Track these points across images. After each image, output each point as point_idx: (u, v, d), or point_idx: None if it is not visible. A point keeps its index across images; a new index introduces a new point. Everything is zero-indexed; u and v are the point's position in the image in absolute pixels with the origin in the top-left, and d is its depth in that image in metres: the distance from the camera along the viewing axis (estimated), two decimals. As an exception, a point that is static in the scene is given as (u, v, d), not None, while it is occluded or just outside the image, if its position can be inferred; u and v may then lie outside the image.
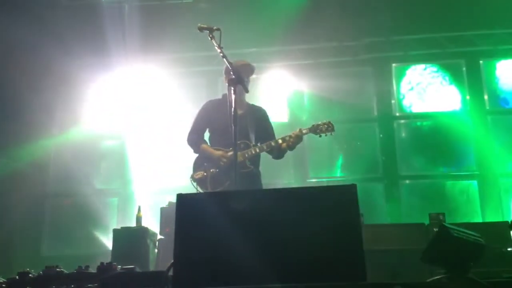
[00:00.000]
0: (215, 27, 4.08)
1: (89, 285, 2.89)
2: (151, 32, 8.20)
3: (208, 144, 4.99)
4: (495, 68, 8.60)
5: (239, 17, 7.86)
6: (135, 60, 8.47)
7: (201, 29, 4.10)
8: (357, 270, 2.44)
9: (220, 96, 5.17)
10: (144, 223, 6.46)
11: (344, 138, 8.43)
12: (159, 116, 8.60)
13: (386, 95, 8.69)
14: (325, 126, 4.78)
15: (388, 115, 8.65)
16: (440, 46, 8.53)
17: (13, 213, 7.72)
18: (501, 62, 8.59)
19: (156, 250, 6.39)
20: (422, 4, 8.07)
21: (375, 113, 8.69)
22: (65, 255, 7.73)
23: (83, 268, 3.07)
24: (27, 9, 7.70)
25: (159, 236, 6.45)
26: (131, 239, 6.14)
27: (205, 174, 4.77)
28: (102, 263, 3.02)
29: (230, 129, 3.86)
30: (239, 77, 4.07)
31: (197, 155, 4.99)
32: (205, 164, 4.81)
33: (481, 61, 8.64)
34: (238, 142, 4.15)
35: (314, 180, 8.41)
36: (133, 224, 6.66)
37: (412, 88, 8.72)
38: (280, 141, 4.77)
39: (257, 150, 4.77)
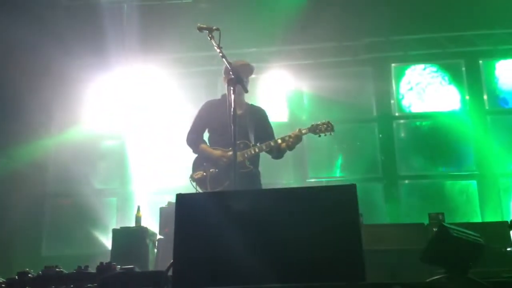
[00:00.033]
0: (214, 27, 4.08)
1: (88, 285, 2.89)
2: (151, 32, 8.20)
3: (208, 144, 4.99)
4: (494, 68, 8.61)
5: (238, 17, 7.87)
6: (135, 60, 8.47)
7: (200, 29, 4.10)
8: (356, 270, 2.44)
9: (219, 97, 5.17)
10: (143, 223, 6.46)
11: (344, 138, 8.42)
12: (159, 116, 8.60)
13: (385, 95, 8.69)
14: (325, 126, 4.78)
15: (387, 115, 8.65)
16: (439, 46, 8.53)
17: (13, 213, 7.71)
18: (500, 62, 8.60)
19: (155, 250, 6.39)
20: (421, 4, 8.06)
21: (375, 113, 8.69)
22: (64, 255, 7.72)
23: (83, 268, 3.07)
24: (27, 9, 7.70)
25: (158, 236, 6.45)
26: (131, 239, 6.14)
27: (204, 174, 4.77)
28: (101, 263, 3.02)
29: (230, 129, 3.86)
30: (239, 77, 4.07)
31: (196, 155, 4.99)
32: (205, 164, 4.81)
33: (480, 61, 8.65)
34: (238, 142, 4.15)
35: (313, 180, 8.41)
36: (132, 224, 6.67)
37: (411, 88, 8.72)
38: (279, 141, 4.77)
39: (257, 150, 4.77)
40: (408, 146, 8.66)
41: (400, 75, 8.79)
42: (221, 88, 5.03)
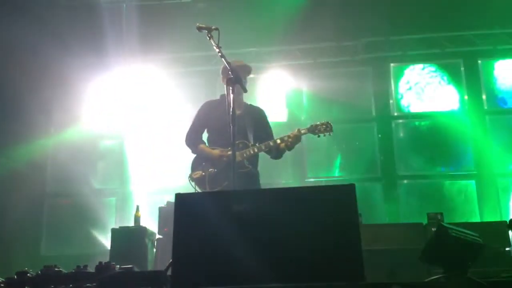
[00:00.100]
0: (213, 27, 4.07)
1: (87, 284, 2.89)
2: (150, 31, 8.21)
3: (206, 144, 4.99)
4: (493, 68, 8.61)
5: (237, 17, 7.87)
6: (134, 59, 8.47)
7: (199, 28, 4.09)
8: (355, 269, 2.44)
9: (218, 97, 5.17)
10: (142, 223, 6.47)
11: (343, 138, 8.44)
12: (158, 116, 8.60)
13: (384, 95, 8.70)
14: (324, 126, 4.78)
15: (386, 115, 8.66)
16: (438, 46, 8.54)
17: (12, 213, 7.71)
18: (499, 62, 8.61)
19: (154, 250, 6.40)
20: (420, 4, 8.07)
21: (374, 113, 8.70)
22: (63, 254, 7.73)
23: (82, 267, 3.06)
24: (26, 9, 7.69)
25: (157, 236, 6.46)
26: (130, 238, 6.15)
27: (203, 173, 4.76)
28: (100, 263, 3.01)
29: (229, 129, 3.86)
30: (238, 77, 4.06)
31: (195, 155, 4.99)
32: (204, 164, 4.80)
33: (479, 61, 8.66)
34: (237, 142, 4.15)
35: (312, 180, 8.42)
36: (131, 223, 6.68)
37: (410, 88, 8.72)
38: (278, 141, 4.77)
39: (256, 150, 4.77)
40: (407, 146, 8.67)
41: (399, 75, 8.79)
42: (220, 88, 5.02)
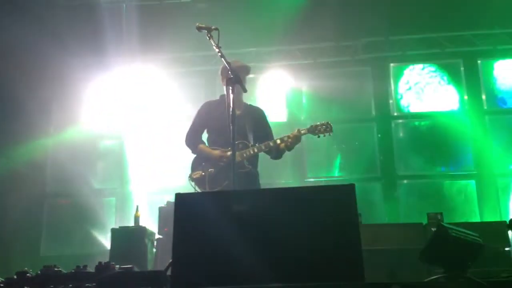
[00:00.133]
0: (213, 27, 4.06)
1: (87, 284, 2.89)
2: (149, 31, 8.20)
3: (206, 144, 4.99)
4: (493, 68, 8.62)
5: (237, 17, 7.87)
6: (134, 59, 8.48)
7: (199, 28, 4.09)
8: (355, 269, 2.44)
9: (218, 97, 5.17)
10: (142, 223, 6.47)
11: (342, 138, 8.44)
12: (158, 116, 8.60)
13: (384, 95, 8.70)
14: (323, 126, 4.78)
15: (386, 115, 8.66)
16: (438, 46, 8.54)
17: (12, 213, 7.72)
18: (499, 62, 8.61)
19: (154, 250, 6.39)
20: (420, 4, 8.07)
21: (373, 113, 8.70)
22: (63, 254, 7.73)
23: (81, 267, 3.06)
24: (26, 9, 7.69)
25: (157, 236, 6.45)
26: (129, 238, 6.15)
27: (203, 174, 4.76)
28: (100, 263, 3.01)
29: (228, 129, 3.85)
30: (237, 77, 4.06)
31: (195, 155, 4.99)
32: (203, 164, 4.80)
33: (479, 61, 8.66)
34: (236, 142, 4.15)
35: (312, 180, 8.42)
36: (131, 223, 6.68)
37: (410, 88, 8.73)
38: (278, 141, 4.77)
39: (255, 150, 4.76)
40: (407, 146, 8.67)
41: (398, 75, 8.79)
42: (220, 88, 5.01)
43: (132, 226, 6.49)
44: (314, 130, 4.78)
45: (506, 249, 5.61)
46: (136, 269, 3.10)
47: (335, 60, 8.68)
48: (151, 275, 2.82)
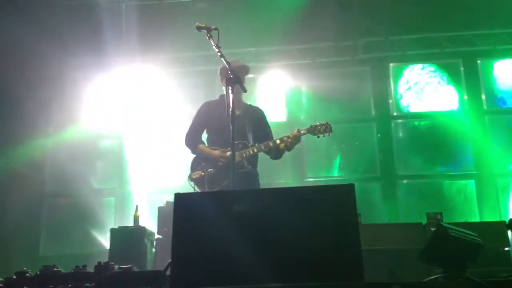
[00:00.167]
0: (213, 27, 4.07)
1: (86, 284, 2.89)
2: (149, 31, 8.20)
3: (206, 144, 4.99)
4: (492, 68, 8.61)
5: (237, 17, 7.87)
6: (133, 59, 8.47)
7: (199, 28, 4.09)
8: (355, 269, 2.44)
9: (217, 97, 5.17)
10: (141, 223, 6.46)
11: (342, 137, 8.44)
12: (157, 115, 8.60)
13: (383, 95, 8.70)
14: (323, 127, 4.78)
15: (385, 114, 8.65)
16: (437, 45, 8.54)
17: (11, 213, 7.71)
18: (498, 62, 8.60)
19: (153, 250, 6.39)
20: (420, 4, 8.07)
21: (373, 112, 8.70)
22: (62, 254, 7.72)
23: (81, 267, 3.06)
24: (26, 9, 7.69)
25: (156, 236, 6.45)
26: (129, 238, 6.15)
27: (202, 173, 4.76)
28: (99, 263, 3.02)
29: (228, 129, 3.85)
30: (237, 77, 4.06)
31: (194, 155, 4.99)
32: (203, 164, 4.81)
33: (478, 61, 8.66)
34: (236, 142, 4.15)
35: (311, 179, 8.42)
36: (130, 223, 6.67)
37: (409, 88, 8.73)
38: (278, 141, 4.77)
39: (255, 150, 4.76)
40: (406, 145, 8.67)
41: (398, 74, 8.79)
42: (220, 88, 5.01)
43: (131, 226, 6.48)
44: (313, 130, 4.78)
45: (506, 249, 5.61)
46: (135, 269, 3.10)
47: (335, 60, 8.68)
48: (150, 275, 2.82)
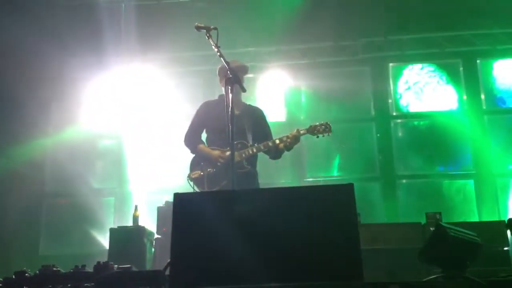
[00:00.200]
0: (212, 27, 4.07)
1: (85, 284, 2.89)
2: (148, 31, 8.20)
3: (205, 144, 4.99)
4: (492, 68, 8.61)
5: (236, 17, 7.87)
6: (132, 59, 8.47)
7: (198, 28, 4.09)
8: (354, 269, 2.45)
9: (216, 97, 5.18)
10: (141, 223, 6.47)
11: (341, 137, 8.42)
12: (156, 115, 8.59)
13: (383, 95, 8.69)
14: (323, 127, 4.78)
15: (385, 114, 8.65)
16: (437, 45, 8.53)
17: (11, 213, 7.72)
18: (498, 62, 8.60)
19: (153, 250, 6.39)
20: (419, 4, 8.07)
21: (372, 112, 8.70)
22: (62, 254, 7.72)
23: (80, 267, 3.06)
24: (26, 9, 7.69)
25: (156, 235, 6.45)
26: (128, 238, 6.15)
27: (202, 173, 4.77)
28: (98, 262, 3.02)
29: (227, 129, 3.85)
30: (236, 76, 4.06)
31: (194, 155, 4.99)
32: (202, 163, 4.81)
33: (478, 61, 8.65)
34: (235, 142, 4.15)
35: (311, 179, 8.42)
36: (130, 223, 6.68)
37: (409, 88, 8.73)
38: (277, 141, 4.77)
39: (254, 150, 4.77)
40: (406, 145, 8.66)
41: (397, 74, 8.79)
42: (219, 88, 5.02)
43: (130, 226, 6.49)
44: (313, 130, 4.78)
45: (505, 248, 5.62)
46: (134, 268, 3.10)
47: (334, 60, 8.68)
48: (149, 275, 2.82)
